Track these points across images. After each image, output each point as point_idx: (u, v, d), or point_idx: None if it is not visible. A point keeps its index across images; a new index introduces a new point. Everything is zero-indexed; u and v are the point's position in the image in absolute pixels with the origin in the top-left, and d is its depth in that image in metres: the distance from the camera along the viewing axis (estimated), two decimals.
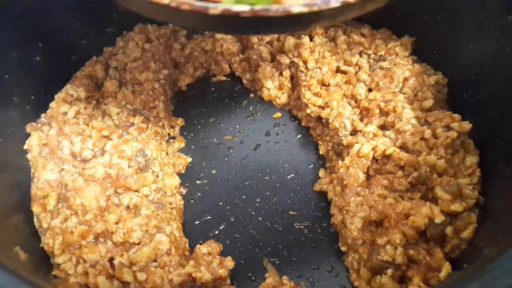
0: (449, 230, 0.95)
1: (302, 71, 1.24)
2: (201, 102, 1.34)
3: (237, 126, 1.28)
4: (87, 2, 1.23)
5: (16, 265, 0.88)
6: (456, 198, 0.97)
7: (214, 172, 1.21)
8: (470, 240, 0.96)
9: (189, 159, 1.22)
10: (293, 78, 1.30)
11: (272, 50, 1.34)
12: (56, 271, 0.96)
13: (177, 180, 1.16)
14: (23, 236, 1.01)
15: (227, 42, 1.36)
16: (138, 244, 0.99)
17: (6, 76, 1.09)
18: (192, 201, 1.16)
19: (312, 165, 1.21)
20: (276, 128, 1.28)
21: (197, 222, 1.12)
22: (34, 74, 1.17)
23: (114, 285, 0.94)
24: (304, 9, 0.64)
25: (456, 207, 0.96)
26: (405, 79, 1.15)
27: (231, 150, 1.24)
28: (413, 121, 1.08)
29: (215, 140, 1.26)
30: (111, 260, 0.96)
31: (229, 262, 1.00)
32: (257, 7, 0.64)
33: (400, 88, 1.15)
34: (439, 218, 0.95)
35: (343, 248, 1.05)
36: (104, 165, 1.07)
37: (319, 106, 1.18)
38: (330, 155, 1.17)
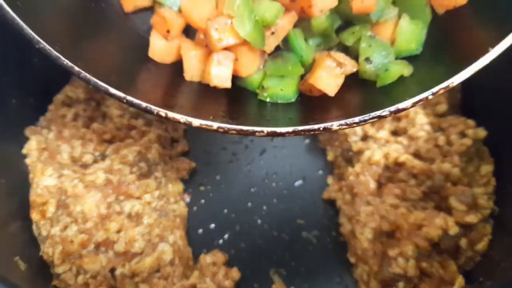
0: (463, 242, 0.93)
1: None
2: None
3: None
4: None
5: (16, 277, 0.86)
6: (471, 209, 0.95)
7: (218, 177, 1.17)
8: (484, 252, 0.94)
9: (193, 164, 1.19)
10: None
11: None
12: (56, 281, 0.94)
13: (180, 186, 1.13)
14: (21, 244, 0.98)
15: None
16: (141, 253, 0.96)
17: (5, 78, 1.06)
18: (195, 208, 1.13)
19: (320, 172, 1.18)
20: None
21: (201, 231, 1.10)
22: (33, 75, 1.13)
23: None
24: (344, 126, 0.69)
25: (471, 218, 0.93)
26: None
27: (236, 155, 1.21)
28: (427, 127, 1.05)
29: (220, 145, 1.23)
30: (112, 270, 0.94)
31: (235, 273, 0.98)
32: (300, 128, 0.69)
33: None
34: (453, 230, 0.92)
35: (352, 259, 1.02)
36: (105, 170, 1.04)
37: None
38: (339, 162, 1.14)
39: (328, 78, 0.76)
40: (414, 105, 0.69)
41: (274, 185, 1.15)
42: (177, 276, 0.95)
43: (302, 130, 0.70)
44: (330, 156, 1.17)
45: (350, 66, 0.80)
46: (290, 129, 0.70)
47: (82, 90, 1.19)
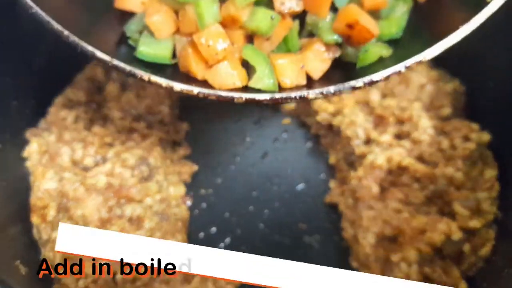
0: (466, 247, 0.92)
1: None
2: (206, 106, 1.29)
3: (244, 132, 1.24)
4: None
5: (17, 281, 0.86)
6: (475, 214, 0.94)
7: (219, 181, 1.17)
8: (487, 258, 0.93)
9: (195, 167, 1.18)
10: None
11: None
12: (57, 285, 0.94)
13: (182, 190, 1.12)
14: (21, 247, 0.98)
15: None
16: None
17: (7, 80, 1.06)
18: (196, 211, 1.12)
19: (322, 175, 1.17)
20: (284, 135, 1.23)
21: (202, 234, 1.09)
22: (35, 77, 1.13)
23: None
24: (319, 95, 0.72)
25: (475, 223, 0.93)
26: (421, 86, 1.11)
27: (237, 158, 1.20)
28: (430, 130, 1.04)
29: (221, 147, 1.22)
30: (113, 275, 0.93)
31: None
32: (277, 95, 0.73)
33: (416, 95, 1.11)
34: (456, 235, 0.92)
35: (354, 264, 1.02)
36: (106, 174, 1.04)
37: (330, 113, 1.14)
38: (341, 165, 1.13)
39: (315, 61, 0.79)
40: (387, 77, 0.72)
41: (275, 189, 1.14)
42: (179, 281, 0.94)
43: (279, 98, 0.72)
44: (332, 160, 1.16)
45: (335, 52, 0.82)
46: (267, 96, 0.72)
47: (83, 92, 1.18)
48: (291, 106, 1.25)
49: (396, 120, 1.08)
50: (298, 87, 0.78)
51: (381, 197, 1.01)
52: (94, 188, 1.01)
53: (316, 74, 0.80)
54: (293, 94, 0.73)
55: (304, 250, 1.05)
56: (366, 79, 0.72)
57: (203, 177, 1.18)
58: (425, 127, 1.04)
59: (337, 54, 0.82)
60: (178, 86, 0.73)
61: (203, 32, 0.76)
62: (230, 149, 1.22)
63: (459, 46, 1.11)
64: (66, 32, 0.73)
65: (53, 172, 1.04)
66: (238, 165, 1.19)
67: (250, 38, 0.82)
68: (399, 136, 1.07)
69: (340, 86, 0.72)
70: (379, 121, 1.10)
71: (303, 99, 0.73)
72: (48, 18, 0.73)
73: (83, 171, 1.05)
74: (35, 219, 1.00)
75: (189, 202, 1.13)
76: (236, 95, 0.73)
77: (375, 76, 0.72)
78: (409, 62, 0.72)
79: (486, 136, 1.01)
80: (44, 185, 1.02)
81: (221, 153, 1.21)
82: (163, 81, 0.73)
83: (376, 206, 0.99)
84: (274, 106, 1.28)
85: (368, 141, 1.08)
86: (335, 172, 1.16)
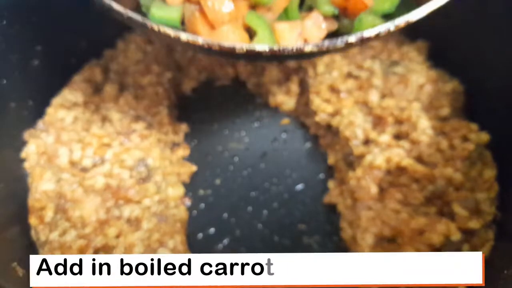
0: (465, 248, 0.92)
1: (311, 76, 1.19)
2: (205, 107, 1.29)
3: (243, 133, 1.24)
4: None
5: (14, 283, 0.85)
6: (474, 215, 0.94)
7: (218, 181, 1.16)
8: (486, 259, 0.92)
9: (194, 168, 1.17)
10: (301, 83, 1.25)
11: None
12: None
13: (181, 190, 1.12)
14: (19, 249, 0.98)
15: None
16: None
17: (4, 81, 1.05)
18: (195, 212, 1.12)
19: (321, 176, 1.16)
20: (283, 135, 1.23)
21: (201, 235, 1.08)
22: (32, 78, 1.13)
23: None
24: (315, 48, 0.77)
25: (474, 224, 0.92)
26: (420, 86, 1.11)
27: (236, 158, 1.19)
28: (429, 131, 1.03)
29: (220, 148, 1.22)
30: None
31: None
32: (275, 47, 0.76)
33: (415, 95, 1.10)
34: (455, 235, 0.92)
35: None
36: (105, 175, 1.03)
37: (329, 114, 1.14)
38: (340, 166, 1.13)
39: (312, 29, 0.85)
40: (377, 36, 0.77)
41: (274, 189, 1.14)
42: None
43: (277, 50, 0.76)
44: (331, 160, 1.16)
45: (332, 24, 0.87)
46: (266, 48, 0.76)
47: (81, 93, 1.18)
48: (290, 106, 1.25)
49: (395, 120, 1.07)
50: None
51: (380, 198, 1.01)
52: (92, 189, 1.01)
53: (312, 41, 0.84)
54: (290, 47, 0.76)
55: (303, 250, 1.05)
56: (358, 34, 0.77)
57: (201, 178, 1.17)
58: (424, 127, 1.04)
59: (334, 27, 0.87)
60: (184, 36, 0.78)
61: None
62: (228, 150, 1.21)
63: (459, 46, 1.12)
64: None
65: (51, 173, 1.04)
66: (236, 165, 1.19)
67: (254, 8, 0.86)
68: (398, 137, 1.06)
69: (334, 41, 0.77)
70: (378, 122, 1.09)
71: (299, 51, 0.76)
72: None
73: (81, 172, 1.05)
74: (33, 220, 1.00)
75: (188, 203, 1.13)
76: (237, 45, 0.76)
77: (367, 33, 0.77)
78: (398, 21, 0.77)
79: (485, 136, 1.01)
80: (42, 186, 1.02)
81: (219, 154, 1.21)
82: (171, 32, 0.78)
83: (375, 206, 0.99)
84: (271, 106, 1.28)
85: (367, 142, 1.08)
86: (334, 173, 1.15)
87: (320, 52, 0.79)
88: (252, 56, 0.80)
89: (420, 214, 0.96)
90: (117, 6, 0.78)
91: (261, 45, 0.77)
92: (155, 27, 0.78)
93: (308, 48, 0.77)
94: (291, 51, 0.76)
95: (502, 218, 0.95)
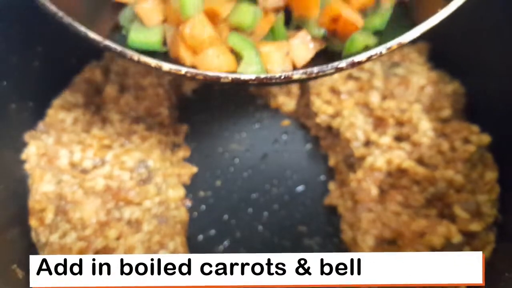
0: (466, 250, 0.91)
1: None
2: (205, 108, 1.29)
3: (243, 134, 1.23)
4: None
5: (13, 286, 0.85)
6: (475, 217, 0.94)
7: (218, 183, 1.16)
8: (487, 261, 0.92)
9: (195, 169, 1.17)
10: (301, 84, 1.25)
11: None
12: None
13: (182, 192, 1.12)
14: (19, 251, 0.97)
15: None
16: None
17: (5, 82, 1.05)
18: (195, 214, 1.12)
19: (322, 177, 1.16)
20: (284, 136, 1.23)
21: (201, 237, 1.08)
22: (33, 79, 1.13)
23: None
24: (303, 76, 0.74)
25: (475, 226, 0.92)
26: (421, 87, 1.10)
27: (236, 160, 1.19)
28: (430, 133, 1.03)
29: (220, 149, 1.21)
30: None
31: None
32: (262, 76, 0.74)
33: (415, 97, 1.10)
34: (456, 238, 0.91)
35: None
36: (105, 176, 1.03)
37: (330, 115, 1.13)
38: (340, 167, 1.13)
39: (300, 48, 0.81)
40: (369, 59, 0.74)
41: (275, 191, 1.14)
42: None
43: (264, 78, 0.74)
44: (331, 162, 1.16)
45: (320, 44, 0.84)
46: (253, 76, 0.74)
47: (81, 94, 1.18)
48: (290, 107, 1.25)
49: (395, 122, 1.07)
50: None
51: (381, 200, 1.00)
52: (92, 190, 1.01)
53: (300, 62, 0.81)
54: (277, 75, 0.74)
55: (304, 252, 1.04)
56: (349, 60, 0.74)
57: (202, 179, 1.17)
58: (425, 129, 1.03)
59: (323, 46, 0.84)
60: (166, 66, 0.75)
61: (187, 23, 0.77)
62: (229, 151, 1.21)
63: (459, 47, 1.12)
64: (60, 13, 0.75)
65: (52, 175, 1.03)
66: (237, 167, 1.18)
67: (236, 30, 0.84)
68: (398, 138, 1.06)
69: (323, 67, 0.75)
70: (379, 123, 1.09)
71: (287, 79, 0.75)
72: (43, 1, 0.76)
73: (81, 174, 1.05)
74: (33, 222, 1.00)
75: (189, 204, 1.13)
76: (222, 75, 0.75)
77: (357, 57, 0.74)
78: (390, 44, 0.74)
79: (486, 138, 1.01)
80: (42, 187, 1.02)
81: (220, 155, 1.21)
82: (152, 61, 0.75)
83: (375, 208, 0.99)
84: (272, 107, 1.28)
85: (367, 143, 1.07)
86: (335, 174, 1.15)
87: (310, 78, 0.77)
88: (239, 84, 0.76)
89: (420, 216, 0.96)
90: (93, 34, 0.76)
91: (247, 75, 0.75)
92: (135, 57, 0.75)
93: (296, 76, 0.75)
94: (279, 78, 0.74)
95: (503, 220, 0.95)
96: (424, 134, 1.03)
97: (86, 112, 1.16)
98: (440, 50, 1.18)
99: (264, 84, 0.75)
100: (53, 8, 0.75)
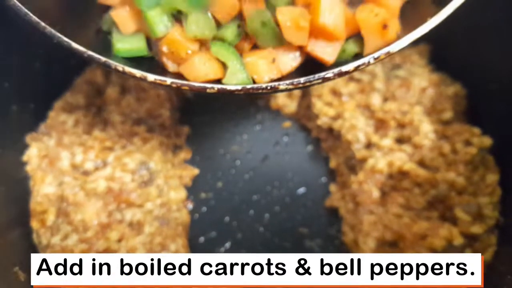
0: (467, 252, 0.91)
1: None
2: (206, 110, 1.29)
3: (244, 136, 1.23)
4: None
5: None
6: (476, 219, 0.94)
7: (220, 184, 1.16)
8: (489, 264, 0.92)
9: (196, 171, 1.17)
10: None
11: None
12: None
13: (183, 194, 1.12)
14: (21, 253, 0.97)
15: None
16: None
17: (6, 84, 1.05)
18: (197, 216, 1.12)
19: (323, 179, 1.16)
20: (285, 138, 1.23)
21: (202, 239, 1.08)
22: (34, 81, 1.13)
23: None
24: (290, 86, 0.73)
25: (476, 229, 0.92)
26: (423, 90, 1.10)
27: (238, 162, 1.19)
28: (431, 135, 1.03)
29: (221, 151, 1.21)
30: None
31: None
32: (248, 86, 0.73)
33: (417, 99, 1.10)
34: (457, 240, 0.91)
35: None
36: (106, 178, 1.03)
37: (331, 117, 1.13)
38: (342, 169, 1.13)
39: (285, 55, 0.78)
40: (356, 68, 0.73)
41: (276, 193, 1.14)
42: None
43: (250, 88, 0.73)
44: (332, 164, 1.16)
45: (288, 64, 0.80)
46: (239, 87, 0.73)
47: (83, 96, 1.18)
48: (292, 109, 1.25)
49: (397, 124, 1.07)
50: (271, 81, 0.78)
51: (382, 202, 1.00)
52: (94, 192, 1.01)
53: (286, 69, 0.78)
54: (264, 85, 0.73)
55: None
56: (336, 70, 0.73)
57: (203, 181, 1.17)
58: (426, 131, 1.03)
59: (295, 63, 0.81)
60: (151, 77, 0.74)
61: (164, 40, 0.76)
62: (230, 153, 1.21)
63: (461, 50, 1.12)
64: (42, 24, 0.73)
65: (53, 177, 1.04)
66: (238, 168, 1.18)
67: None
68: (400, 141, 1.06)
69: (310, 77, 0.73)
70: (380, 125, 1.09)
71: (274, 89, 0.74)
72: (26, 11, 0.73)
73: (83, 176, 1.05)
74: (34, 223, 1.00)
75: (190, 206, 1.13)
76: (208, 85, 0.74)
77: (345, 67, 0.73)
78: (377, 54, 0.73)
79: (487, 141, 1.01)
80: (44, 189, 1.02)
81: (221, 157, 1.21)
82: (137, 72, 0.74)
83: (376, 210, 0.99)
84: (273, 109, 1.28)
85: (368, 145, 1.07)
86: (336, 176, 1.15)
87: (296, 88, 0.75)
88: (225, 94, 0.74)
89: (422, 219, 0.96)
90: (76, 45, 0.74)
91: (233, 85, 0.74)
92: (119, 68, 0.74)
93: (283, 86, 0.73)
94: (266, 89, 0.73)
95: (505, 223, 0.95)
96: (426, 136, 1.03)
97: (87, 114, 1.16)
98: (441, 52, 1.17)
99: (251, 94, 0.74)
100: (35, 18, 0.73)
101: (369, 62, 0.73)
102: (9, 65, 1.06)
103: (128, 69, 0.74)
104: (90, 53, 0.74)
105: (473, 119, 1.09)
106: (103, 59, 0.74)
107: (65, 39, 0.73)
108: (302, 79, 0.73)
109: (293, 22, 0.71)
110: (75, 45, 0.74)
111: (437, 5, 0.74)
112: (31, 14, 0.73)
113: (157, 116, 1.19)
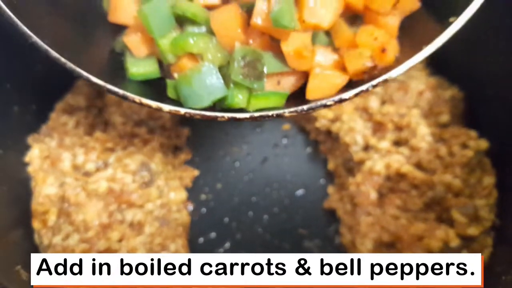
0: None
1: None
2: None
3: (244, 138, 1.24)
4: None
5: (17, 286, 0.86)
6: (473, 221, 0.95)
7: (219, 186, 1.17)
8: (485, 265, 0.93)
9: (196, 172, 1.18)
10: None
11: None
12: None
13: (184, 195, 1.12)
14: (23, 253, 0.98)
15: None
16: None
17: (8, 86, 1.06)
18: (196, 217, 1.13)
19: (321, 181, 1.18)
20: (284, 140, 1.24)
21: (202, 240, 1.10)
22: (36, 83, 1.13)
23: None
24: (294, 113, 0.77)
25: (473, 230, 0.93)
26: (420, 93, 1.11)
27: (237, 163, 1.20)
28: (428, 138, 1.04)
29: (221, 152, 1.22)
30: None
31: None
32: (256, 114, 0.77)
33: (414, 102, 1.11)
34: (454, 242, 0.92)
35: None
36: (107, 179, 1.04)
37: (329, 119, 1.14)
38: (339, 171, 1.14)
39: (289, 77, 0.81)
40: (356, 95, 0.75)
41: (275, 194, 1.15)
42: None
43: (258, 116, 0.77)
44: (331, 166, 1.17)
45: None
46: (247, 115, 0.77)
47: (83, 97, 1.18)
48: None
49: (394, 126, 1.08)
50: None
51: (379, 204, 1.01)
52: (95, 193, 1.02)
53: (291, 89, 0.82)
54: (270, 113, 0.77)
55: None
56: (336, 97, 0.76)
57: (203, 182, 1.18)
58: (423, 134, 1.04)
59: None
60: (166, 108, 0.77)
61: (175, 67, 0.80)
62: (230, 154, 1.22)
63: (458, 53, 1.13)
64: (63, 60, 0.76)
65: (54, 178, 1.04)
66: (238, 170, 1.20)
67: None
68: (397, 143, 1.07)
69: (312, 105, 0.77)
70: (378, 128, 1.10)
71: (279, 116, 0.77)
72: (47, 47, 0.75)
73: (84, 176, 1.06)
74: (36, 224, 1.01)
75: (190, 207, 1.14)
76: (219, 114, 0.77)
77: (345, 95, 0.76)
78: (376, 81, 0.75)
79: (484, 144, 1.02)
80: (45, 190, 1.02)
81: (221, 158, 1.22)
82: (153, 103, 0.77)
83: (374, 212, 1.00)
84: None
85: (366, 148, 1.08)
86: (334, 178, 1.16)
87: (300, 114, 0.78)
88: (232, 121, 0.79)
89: (419, 220, 0.97)
90: (95, 79, 0.77)
91: (241, 114, 0.77)
92: (136, 99, 0.77)
93: (287, 114, 0.77)
94: (271, 116, 0.77)
95: (501, 225, 0.96)
96: (423, 139, 1.04)
97: (89, 115, 1.17)
98: (439, 55, 1.16)
99: (257, 120, 0.78)
100: (55, 54, 0.75)
101: (367, 89, 0.75)
102: (11, 66, 1.06)
103: (145, 101, 0.77)
104: (109, 86, 0.77)
105: (470, 122, 1.10)
106: (121, 92, 0.77)
107: (85, 73, 0.76)
108: (305, 107, 0.77)
109: (296, 53, 0.75)
110: (94, 79, 0.77)
111: (432, 32, 0.76)
112: (52, 51, 0.75)
113: (157, 117, 1.20)
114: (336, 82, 0.78)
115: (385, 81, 0.75)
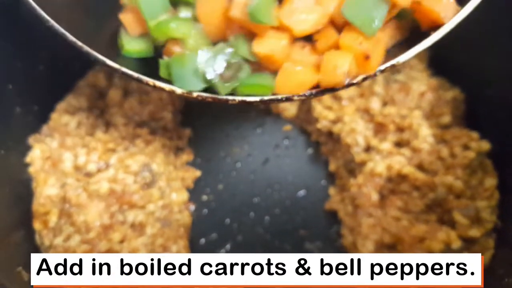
0: None
1: None
2: (208, 112, 1.30)
3: (245, 139, 1.25)
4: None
5: (19, 287, 0.86)
6: (474, 223, 0.94)
7: (220, 187, 1.17)
8: (487, 267, 0.93)
9: (198, 173, 1.18)
10: None
11: None
12: None
13: (185, 195, 1.13)
14: (24, 253, 0.97)
15: None
16: None
17: (10, 86, 1.06)
18: (197, 218, 1.13)
19: (323, 182, 1.17)
20: (285, 141, 1.24)
21: (203, 241, 1.10)
22: (37, 83, 1.13)
23: None
24: (302, 97, 0.78)
25: (474, 232, 0.93)
26: (421, 94, 1.11)
27: (238, 164, 1.20)
28: (430, 139, 1.04)
29: (222, 153, 1.23)
30: None
31: None
32: (266, 98, 0.78)
33: (416, 103, 1.11)
34: (455, 244, 0.92)
35: None
36: (109, 180, 1.04)
37: (331, 121, 1.14)
38: (341, 172, 1.14)
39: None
40: (364, 80, 0.77)
41: (276, 195, 1.15)
42: None
43: (268, 100, 0.78)
44: (332, 167, 1.17)
45: None
46: (257, 98, 0.78)
47: (85, 98, 1.19)
48: (292, 113, 1.26)
49: (396, 128, 1.08)
50: None
51: (381, 205, 1.01)
52: (96, 194, 1.02)
53: None
54: (280, 96, 0.78)
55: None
56: (347, 80, 0.76)
57: (204, 183, 1.18)
58: (425, 135, 1.04)
59: None
60: (179, 91, 0.78)
61: (165, 50, 0.80)
62: (231, 155, 1.22)
63: (459, 54, 1.13)
64: (79, 43, 0.78)
65: (56, 178, 1.04)
66: (239, 171, 1.20)
67: None
68: (399, 144, 1.07)
69: (321, 92, 0.78)
70: (379, 129, 1.10)
71: (288, 99, 0.79)
72: (63, 31, 0.77)
73: (85, 177, 1.06)
74: (37, 225, 1.01)
75: (192, 207, 1.14)
76: (230, 97, 0.78)
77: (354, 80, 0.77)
78: (384, 66, 0.77)
79: (486, 145, 1.02)
80: (47, 191, 1.02)
81: (222, 159, 1.22)
82: (166, 86, 0.79)
83: (375, 213, 1.00)
84: (273, 112, 1.29)
85: (368, 149, 1.08)
86: (335, 179, 1.16)
87: (308, 98, 0.79)
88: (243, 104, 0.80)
89: (420, 222, 0.97)
90: (111, 62, 0.79)
91: (252, 97, 0.78)
92: (150, 82, 0.79)
93: (296, 97, 0.78)
94: (281, 100, 0.78)
95: (502, 227, 0.96)
96: (424, 140, 1.04)
97: (90, 116, 1.17)
98: (440, 56, 1.18)
99: (267, 103, 0.79)
100: (72, 38, 0.78)
101: (375, 74, 0.77)
102: (13, 67, 1.07)
103: (158, 83, 0.79)
104: (124, 69, 0.79)
105: (472, 123, 1.10)
106: (135, 75, 0.79)
107: (100, 57, 0.78)
108: (314, 91, 0.78)
109: (266, 57, 0.75)
110: (110, 62, 0.79)
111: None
112: (68, 35, 0.78)
113: (159, 118, 1.20)
114: (305, 80, 0.77)
115: (393, 66, 0.76)
